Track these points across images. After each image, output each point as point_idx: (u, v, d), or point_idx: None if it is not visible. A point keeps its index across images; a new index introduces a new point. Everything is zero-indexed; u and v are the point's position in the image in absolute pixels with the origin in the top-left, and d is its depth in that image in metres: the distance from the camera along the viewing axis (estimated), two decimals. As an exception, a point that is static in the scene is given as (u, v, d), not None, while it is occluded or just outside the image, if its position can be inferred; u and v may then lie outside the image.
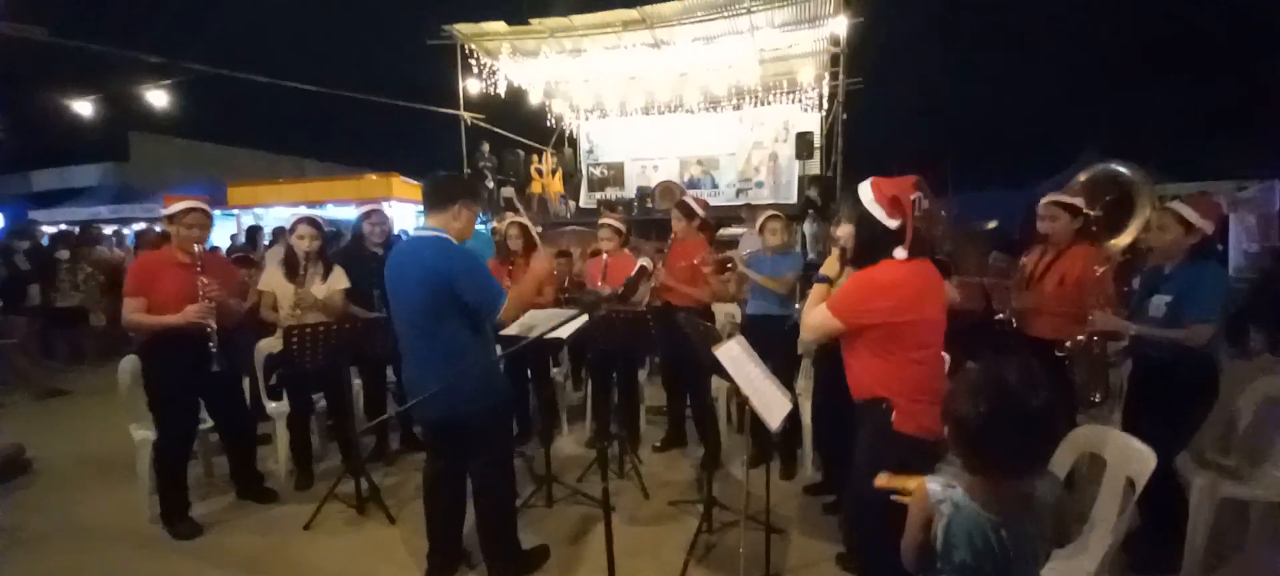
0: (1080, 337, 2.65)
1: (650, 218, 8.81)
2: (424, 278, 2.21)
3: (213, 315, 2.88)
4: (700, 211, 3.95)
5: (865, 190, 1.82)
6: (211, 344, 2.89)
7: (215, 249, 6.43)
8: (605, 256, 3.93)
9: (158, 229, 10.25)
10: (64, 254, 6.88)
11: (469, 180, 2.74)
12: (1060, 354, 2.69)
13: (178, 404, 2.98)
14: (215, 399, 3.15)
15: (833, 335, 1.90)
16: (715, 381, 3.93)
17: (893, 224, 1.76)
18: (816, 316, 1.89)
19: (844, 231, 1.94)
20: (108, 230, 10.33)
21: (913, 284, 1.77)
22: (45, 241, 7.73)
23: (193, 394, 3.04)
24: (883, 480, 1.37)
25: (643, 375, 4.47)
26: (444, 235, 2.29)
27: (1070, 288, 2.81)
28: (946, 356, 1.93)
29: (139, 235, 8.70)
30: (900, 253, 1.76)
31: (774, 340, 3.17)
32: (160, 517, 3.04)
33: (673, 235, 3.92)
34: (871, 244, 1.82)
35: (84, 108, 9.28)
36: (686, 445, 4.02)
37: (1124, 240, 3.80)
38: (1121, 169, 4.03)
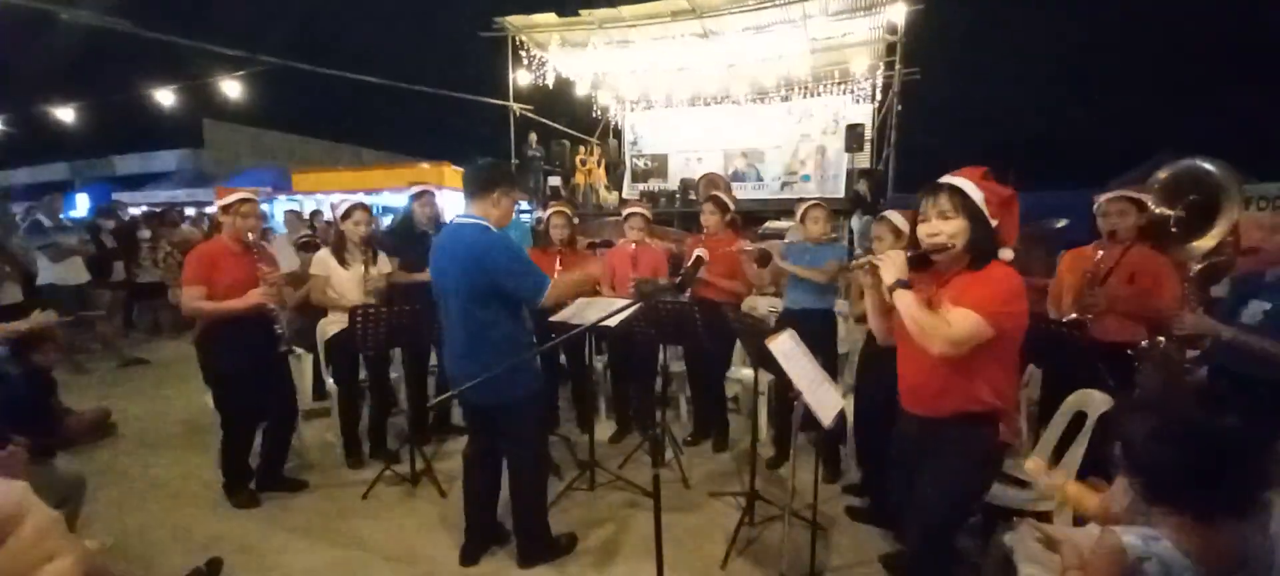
0: (1160, 338, 2.48)
1: (693, 210, 8.78)
2: (465, 264, 2.26)
3: (276, 298, 3.02)
4: (732, 206, 3.94)
5: (971, 188, 1.70)
6: (278, 327, 3.03)
7: (267, 233, 6.82)
8: (633, 247, 3.83)
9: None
10: (145, 233, 7.38)
11: (508, 168, 2.77)
12: (1131, 353, 2.54)
13: (238, 385, 3.07)
14: (268, 383, 3.15)
15: (975, 343, 1.65)
16: (745, 375, 3.90)
17: (995, 222, 1.72)
18: (968, 325, 1.62)
19: (951, 227, 1.70)
20: (190, 211, 11.05)
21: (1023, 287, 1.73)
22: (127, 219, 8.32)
23: (251, 375, 3.08)
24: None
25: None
26: (484, 222, 2.32)
27: (1142, 287, 2.65)
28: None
29: (211, 219, 9.25)
30: (1006, 253, 1.70)
31: (813, 335, 3.09)
32: (223, 487, 3.19)
33: (706, 230, 3.88)
34: (986, 244, 1.71)
35: (164, 97, 9.93)
36: (711, 436, 3.98)
37: (1208, 243, 3.51)
38: (1207, 165, 3.71)
